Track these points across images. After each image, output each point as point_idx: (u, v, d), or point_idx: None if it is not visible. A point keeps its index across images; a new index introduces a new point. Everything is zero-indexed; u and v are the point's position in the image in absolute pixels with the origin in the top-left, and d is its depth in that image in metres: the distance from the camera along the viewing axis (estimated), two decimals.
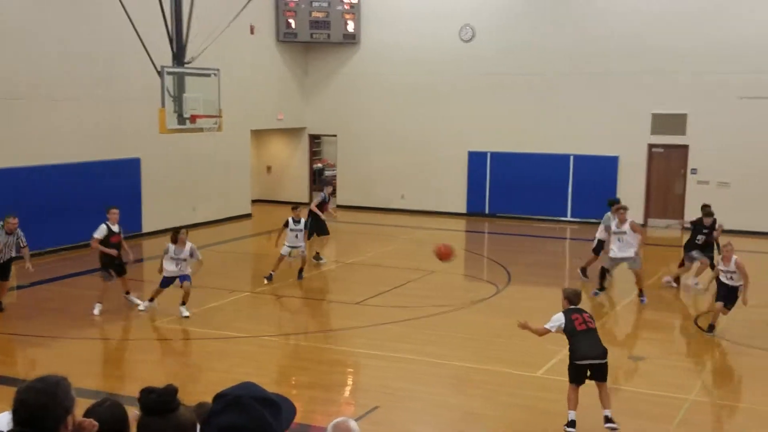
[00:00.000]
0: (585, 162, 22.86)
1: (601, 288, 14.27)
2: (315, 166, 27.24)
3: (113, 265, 12.99)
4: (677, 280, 15.25)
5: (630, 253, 13.78)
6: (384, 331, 12.17)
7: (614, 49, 22.10)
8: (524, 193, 23.52)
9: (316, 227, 16.79)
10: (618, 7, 22.06)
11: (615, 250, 13.92)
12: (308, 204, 15.85)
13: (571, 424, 8.27)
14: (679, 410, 8.92)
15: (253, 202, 24.74)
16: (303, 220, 15.53)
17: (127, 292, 13.36)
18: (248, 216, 23.67)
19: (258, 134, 25.57)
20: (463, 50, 23.66)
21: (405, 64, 24.29)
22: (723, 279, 11.91)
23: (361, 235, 19.94)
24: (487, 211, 23.95)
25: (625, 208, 14.28)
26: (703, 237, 14.79)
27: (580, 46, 22.44)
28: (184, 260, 12.76)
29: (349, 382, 10.66)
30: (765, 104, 20.59)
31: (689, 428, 8.55)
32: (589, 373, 8.30)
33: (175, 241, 12.72)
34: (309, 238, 16.48)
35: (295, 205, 16.16)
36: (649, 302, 14.03)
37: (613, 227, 14.01)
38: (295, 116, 25.64)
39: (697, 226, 15.00)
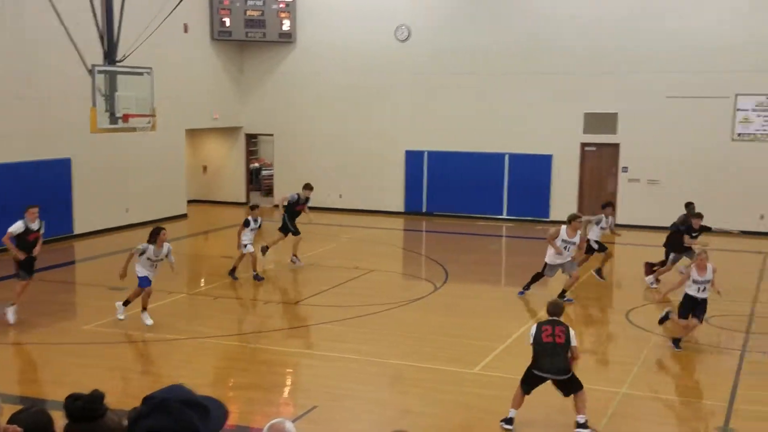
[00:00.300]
0: (520, 161, 23.18)
1: (528, 288, 14.28)
2: (252, 165, 27.02)
3: (26, 265, 12.32)
4: (657, 279, 15.10)
5: (568, 258, 13.92)
6: (323, 331, 12.15)
7: (548, 50, 22.46)
8: (461, 192, 23.74)
9: (287, 226, 16.80)
10: (550, 9, 22.43)
11: (554, 256, 13.77)
12: (247, 203, 15.69)
13: (509, 421, 8.39)
14: (611, 403, 9.12)
15: (190, 202, 24.43)
16: (260, 219, 15.46)
17: (12, 304, 12.26)
18: (184, 216, 23.35)
19: (193, 134, 25.23)
20: (400, 50, 23.76)
21: (342, 64, 24.27)
22: (692, 292, 10.97)
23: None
24: (424, 210, 24.11)
25: (581, 219, 14.14)
26: (693, 239, 14.68)
27: (515, 46, 22.74)
28: (161, 261, 12.16)
29: (288, 382, 10.61)
30: (691, 103, 21.17)
31: (621, 421, 8.74)
32: (554, 387, 8.41)
33: (154, 241, 11.92)
34: (286, 235, 16.65)
35: (254, 205, 16.07)
36: (581, 298, 14.30)
37: (565, 236, 13.70)
38: (231, 115, 25.38)
39: (687, 229, 14.73)
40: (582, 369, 10.41)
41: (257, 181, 27.13)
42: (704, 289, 10.94)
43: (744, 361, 10.82)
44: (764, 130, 20.75)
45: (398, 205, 24.35)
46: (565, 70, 22.30)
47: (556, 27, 22.32)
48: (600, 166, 22.85)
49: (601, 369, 10.52)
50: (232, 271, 15.28)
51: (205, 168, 26.68)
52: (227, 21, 24.04)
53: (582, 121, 22.51)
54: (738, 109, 20.90)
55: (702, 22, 21.12)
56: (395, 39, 23.79)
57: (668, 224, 15.97)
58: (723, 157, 21.11)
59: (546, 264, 13.97)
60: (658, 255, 15.80)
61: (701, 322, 11.09)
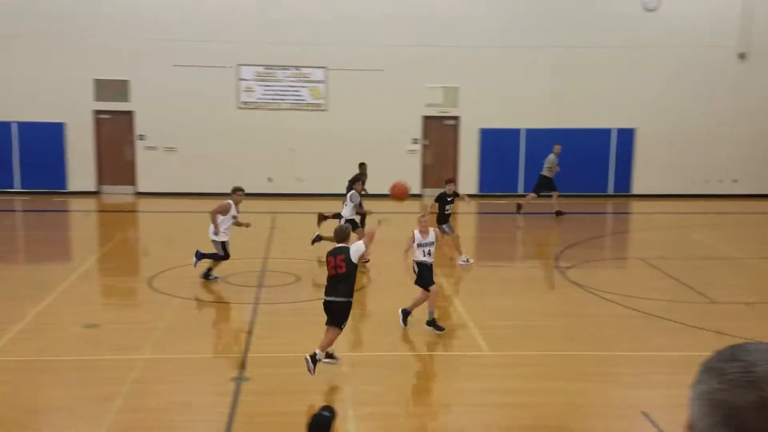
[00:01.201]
0: (30, 129, 21.80)
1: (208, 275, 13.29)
2: None
3: None
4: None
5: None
6: None
7: (49, 12, 21.35)
8: None
9: None
10: None
11: (226, 235, 13.16)
12: None
13: (327, 356, 8.94)
14: (133, 370, 9.21)
15: None
16: None
17: None
18: None
19: None
20: None
21: None
22: (421, 257, 10.58)
23: None
24: None
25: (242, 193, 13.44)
26: (450, 207, 14.68)
27: (20, 6, 21.18)
28: None
29: None
30: (198, 71, 21.93)
31: (143, 386, 8.87)
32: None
33: None
34: None
35: None
36: (106, 270, 14.10)
37: (233, 211, 13.18)
38: None
39: (441, 197, 14.61)
40: (104, 339, 10.30)
41: None
42: (430, 252, 10.62)
43: (257, 314, 11.75)
44: (265, 99, 22.51)
45: None
46: (73, 33, 21.44)
47: None
48: (116, 133, 22.57)
49: (123, 337, 10.51)
50: None
51: None
52: None
53: (93, 88, 21.93)
54: (241, 79, 22.32)
55: None
56: None
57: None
58: (231, 124, 22.38)
59: (222, 242, 13.15)
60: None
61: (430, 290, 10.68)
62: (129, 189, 22.72)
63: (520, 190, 23.08)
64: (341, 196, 17.91)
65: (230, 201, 13.22)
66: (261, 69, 22.22)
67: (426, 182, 23.61)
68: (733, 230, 19.31)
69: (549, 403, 8.53)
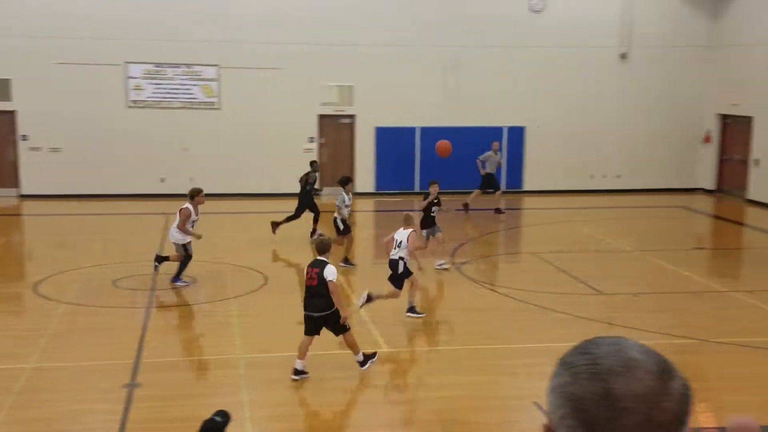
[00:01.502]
0: None
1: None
2: None
3: None
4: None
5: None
6: None
7: None
8: None
9: None
10: None
11: (182, 236, 12.78)
12: None
13: (297, 372, 8.76)
14: (19, 380, 8.82)
15: None
16: None
17: None
18: None
19: None
20: None
21: None
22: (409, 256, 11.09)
23: None
24: None
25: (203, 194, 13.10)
26: (438, 208, 14.18)
27: None
28: None
29: None
30: (83, 70, 21.09)
31: (32, 396, 8.52)
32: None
33: None
34: None
35: None
36: None
37: (194, 215, 12.78)
38: None
39: (437, 199, 14.15)
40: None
41: None
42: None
43: (150, 317, 11.43)
44: (155, 97, 21.91)
45: None
46: None
47: None
48: None
49: (6, 345, 10.04)
50: None
51: None
52: None
53: None
54: (129, 77, 21.65)
55: None
56: None
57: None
58: (120, 124, 21.65)
59: (183, 245, 12.80)
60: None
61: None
62: (12, 191, 21.72)
63: (417, 188, 23.30)
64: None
65: (188, 206, 12.90)
66: (150, 67, 21.61)
67: (323, 180, 23.53)
68: (619, 224, 20.08)
69: (445, 397, 8.65)
